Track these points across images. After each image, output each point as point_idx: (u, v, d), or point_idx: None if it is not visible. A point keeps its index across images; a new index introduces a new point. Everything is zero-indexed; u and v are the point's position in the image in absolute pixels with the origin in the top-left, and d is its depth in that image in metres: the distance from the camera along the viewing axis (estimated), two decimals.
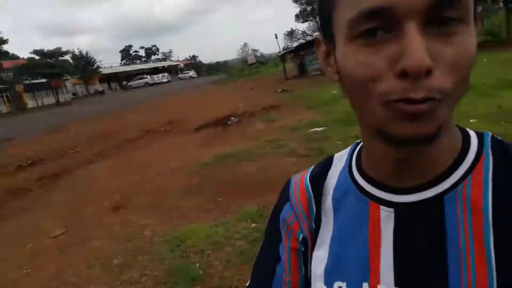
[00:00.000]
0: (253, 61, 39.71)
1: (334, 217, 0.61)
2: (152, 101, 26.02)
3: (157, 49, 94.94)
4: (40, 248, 4.41)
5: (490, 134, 0.55)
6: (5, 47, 38.73)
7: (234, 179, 5.45)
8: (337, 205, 0.61)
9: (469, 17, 0.44)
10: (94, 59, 51.31)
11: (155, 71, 66.24)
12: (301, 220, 0.65)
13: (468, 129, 0.56)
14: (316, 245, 0.63)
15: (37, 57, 40.20)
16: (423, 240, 0.51)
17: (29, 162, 10.62)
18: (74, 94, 51.34)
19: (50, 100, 45.30)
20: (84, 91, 53.47)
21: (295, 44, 39.83)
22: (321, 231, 0.63)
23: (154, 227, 4.42)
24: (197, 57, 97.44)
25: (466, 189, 0.50)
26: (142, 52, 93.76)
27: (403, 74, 0.41)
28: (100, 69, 53.30)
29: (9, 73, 37.87)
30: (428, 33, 0.42)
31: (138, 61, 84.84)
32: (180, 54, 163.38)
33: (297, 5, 49.46)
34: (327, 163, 0.67)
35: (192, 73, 64.91)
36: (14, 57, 48.59)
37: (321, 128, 8.13)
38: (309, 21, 52.06)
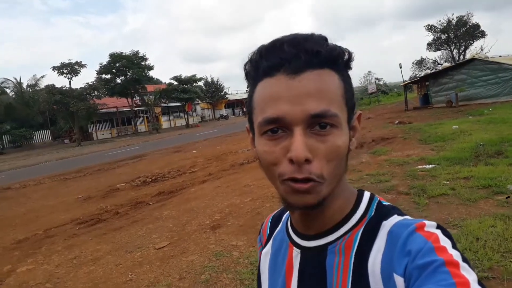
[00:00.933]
0: (373, 90, 38.70)
1: (271, 251, 0.82)
2: None
3: None
4: (146, 257, 5.00)
5: (378, 199, 0.71)
6: (150, 73, 43.92)
7: None
8: (275, 244, 0.82)
9: (340, 124, 0.61)
10: (223, 86, 55.19)
11: None
12: (263, 250, 0.86)
13: (365, 195, 0.72)
14: (261, 273, 0.84)
15: (175, 83, 44.76)
16: (313, 275, 0.69)
17: (153, 178, 11.91)
18: (201, 118, 55.88)
19: (181, 122, 50.14)
20: (210, 115, 57.90)
21: (423, 74, 37.99)
22: (262, 262, 0.84)
23: (242, 248, 4.72)
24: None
25: (343, 243, 0.67)
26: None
27: (291, 161, 0.59)
28: (227, 95, 57.14)
29: (150, 96, 42.85)
30: (309, 134, 0.60)
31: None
32: None
33: (431, 33, 47.42)
34: (285, 209, 0.85)
35: None
36: (157, 82, 54.88)
37: (430, 166, 7.67)
38: (442, 50, 49.33)
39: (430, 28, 46.87)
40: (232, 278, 3.94)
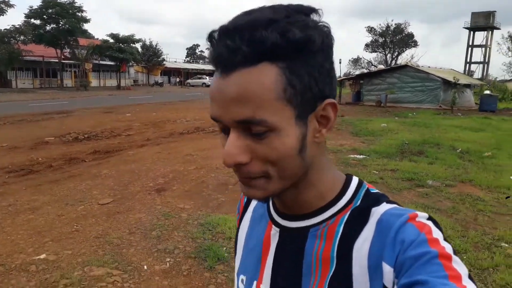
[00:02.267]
0: None
1: (249, 224, 0.80)
2: (206, 100, 26.95)
3: None
4: (90, 211, 4.97)
5: (366, 187, 0.68)
6: (85, 26, 41.14)
7: None
8: (254, 216, 0.79)
9: (276, 127, 0.55)
10: (161, 51, 53.39)
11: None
12: (239, 219, 0.86)
13: (353, 181, 0.69)
14: (238, 241, 0.83)
15: (111, 40, 42.34)
16: (290, 255, 0.67)
17: (85, 136, 11.50)
18: (134, 81, 53.78)
19: (112, 82, 47.83)
20: (144, 79, 55.92)
21: (357, 72, 39.94)
22: (240, 231, 0.83)
23: (190, 211, 4.90)
24: None
25: (326, 227, 0.65)
26: (206, 54, 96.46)
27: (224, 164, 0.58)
28: (164, 62, 55.44)
29: (82, 51, 40.29)
30: (245, 135, 0.56)
31: (201, 61, 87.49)
32: None
33: (370, 35, 49.79)
34: None
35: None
36: (90, 37, 51.59)
37: (361, 156, 8.35)
38: (377, 52, 52.04)
39: (370, 30, 49.39)
40: (184, 236, 4.13)
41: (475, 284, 0.50)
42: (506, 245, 4.17)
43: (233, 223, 4.39)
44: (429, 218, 0.59)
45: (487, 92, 25.83)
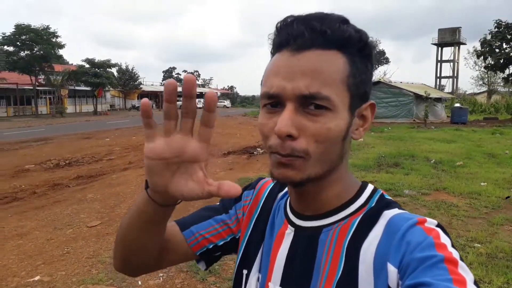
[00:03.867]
0: None
1: (268, 226, 0.79)
2: None
3: (199, 75, 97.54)
4: (79, 234, 5.05)
5: (381, 192, 0.71)
6: (60, 51, 40.84)
7: None
8: (273, 218, 0.79)
9: (335, 107, 0.60)
10: (138, 75, 53.36)
11: None
12: (248, 210, 0.85)
13: (368, 186, 0.71)
14: (249, 235, 0.82)
15: (87, 65, 42.11)
16: (303, 254, 0.69)
17: (67, 162, 11.46)
18: (111, 106, 53.42)
19: (88, 107, 47.39)
20: (121, 104, 55.60)
21: None
22: (253, 228, 0.82)
23: None
24: (235, 87, 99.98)
25: (339, 227, 0.67)
26: (183, 76, 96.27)
27: (276, 134, 0.60)
28: (141, 86, 55.34)
29: (57, 77, 39.91)
30: (301, 112, 0.60)
31: (178, 84, 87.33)
32: (219, 83, 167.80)
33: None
34: (284, 185, 0.82)
35: (226, 102, 66.78)
36: (65, 62, 51.18)
37: None
38: None
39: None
40: None
41: None
42: (479, 245, 4.45)
43: None
44: (438, 225, 0.60)
45: (458, 105, 26.91)
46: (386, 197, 0.70)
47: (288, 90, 0.59)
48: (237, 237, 0.84)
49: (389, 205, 0.67)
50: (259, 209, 0.83)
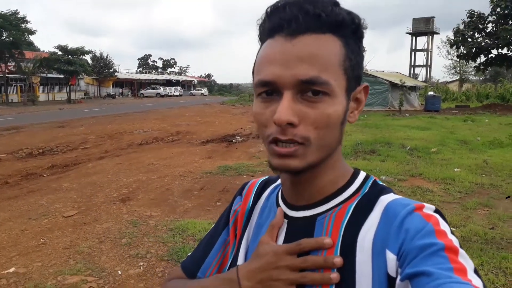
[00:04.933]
0: None
1: (257, 218, 0.78)
2: (162, 111, 26.78)
3: (175, 62, 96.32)
4: (55, 224, 4.93)
5: (374, 178, 0.70)
6: (31, 38, 39.52)
7: (233, 187, 6.02)
8: (263, 209, 0.78)
9: (333, 92, 0.59)
10: (113, 63, 52.27)
11: (168, 83, 67.68)
12: (240, 213, 0.82)
13: (361, 173, 0.71)
14: (245, 234, 0.79)
15: (59, 52, 40.95)
16: None
17: (40, 151, 11.16)
18: (85, 94, 52.21)
19: (61, 96, 46.16)
20: (96, 92, 54.43)
21: None
22: (249, 225, 0.80)
23: (157, 218, 4.99)
24: (212, 75, 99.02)
25: (334, 214, 0.66)
26: (160, 63, 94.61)
27: (275, 123, 0.58)
28: (116, 73, 54.26)
29: (28, 64, 38.66)
30: (299, 99, 0.59)
31: (154, 71, 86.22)
32: (196, 71, 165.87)
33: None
34: (277, 178, 0.82)
35: (204, 90, 66.35)
36: (37, 49, 49.60)
37: None
38: None
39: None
40: (154, 241, 4.23)
41: (481, 279, 0.50)
42: (454, 229, 4.57)
43: (202, 226, 4.53)
44: (436, 211, 0.59)
45: (431, 93, 27.45)
46: (379, 183, 0.69)
47: (286, 77, 0.58)
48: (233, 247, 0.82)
49: (384, 190, 0.66)
50: (248, 211, 0.81)
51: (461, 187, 6.32)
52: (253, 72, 0.66)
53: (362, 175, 0.70)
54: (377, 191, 0.66)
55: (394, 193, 0.65)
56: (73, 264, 3.75)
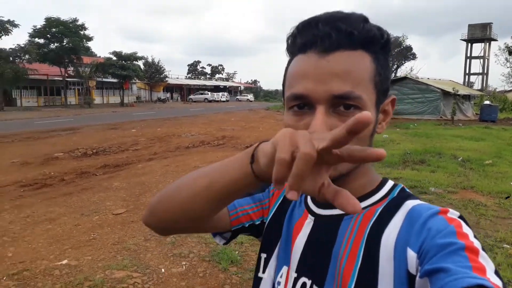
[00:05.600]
0: None
1: (287, 214, 0.79)
2: (209, 115, 27.31)
3: (223, 69, 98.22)
4: (105, 221, 5.16)
5: (401, 186, 0.72)
6: (88, 44, 41.79)
7: None
8: (293, 207, 0.80)
9: (365, 106, 0.61)
10: (164, 68, 54.09)
11: (216, 89, 69.05)
12: (273, 195, 0.85)
13: (389, 181, 0.73)
14: (270, 220, 0.82)
15: (114, 58, 42.98)
16: (323, 239, 0.69)
17: (94, 151, 11.73)
18: (137, 98, 54.31)
19: (115, 99, 48.34)
20: (147, 96, 56.45)
21: None
22: (275, 214, 0.82)
23: None
24: (258, 82, 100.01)
25: (361, 215, 0.68)
26: (208, 69, 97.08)
27: None
28: (166, 79, 56.09)
29: (85, 69, 40.84)
30: (332, 113, 0.61)
31: (202, 77, 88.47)
32: (242, 77, 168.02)
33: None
34: None
35: (250, 96, 66.99)
36: (93, 55, 52.32)
37: None
38: None
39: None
40: (197, 241, 4.32)
41: (501, 280, 0.49)
42: (508, 246, 4.33)
43: None
44: (460, 217, 0.60)
45: (487, 102, 26.10)
46: (407, 190, 0.71)
47: (320, 93, 0.60)
48: (265, 220, 0.84)
49: (411, 196, 0.68)
50: (281, 197, 0.83)
51: None
52: (283, 85, 0.69)
53: (390, 183, 0.72)
54: (404, 196, 0.68)
55: (420, 200, 0.67)
56: (120, 260, 3.91)
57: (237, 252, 4.02)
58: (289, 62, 0.68)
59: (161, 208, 0.71)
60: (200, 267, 3.78)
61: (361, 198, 0.69)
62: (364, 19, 0.63)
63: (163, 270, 3.71)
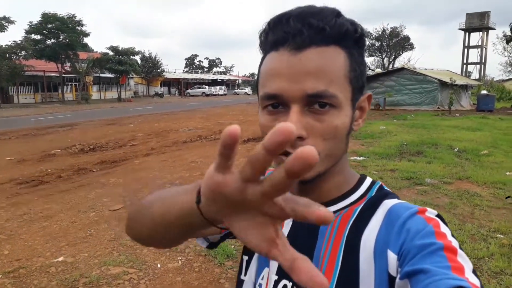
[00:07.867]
0: None
1: None
2: (206, 110, 27.29)
3: (220, 62, 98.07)
4: (102, 217, 5.18)
5: (380, 183, 0.72)
6: (85, 39, 41.55)
7: None
8: None
9: (339, 104, 0.60)
10: (161, 63, 53.89)
11: (213, 82, 68.91)
12: None
13: (367, 178, 0.73)
14: None
15: (111, 53, 42.79)
16: (301, 245, 0.66)
17: (91, 147, 11.73)
18: (134, 93, 54.13)
19: (112, 94, 48.20)
20: (144, 91, 56.31)
21: None
22: None
23: None
24: (256, 75, 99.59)
25: (340, 216, 0.67)
26: (205, 63, 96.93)
27: None
28: (164, 73, 55.92)
29: (82, 64, 40.68)
30: (307, 112, 0.60)
31: (200, 71, 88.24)
32: (240, 70, 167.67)
33: (366, 39, 50.65)
34: None
35: (247, 89, 66.82)
36: (90, 50, 52.10)
37: (361, 158, 8.57)
38: (374, 56, 52.49)
39: (367, 34, 50.25)
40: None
41: (479, 279, 0.50)
42: (502, 236, 4.36)
43: None
44: (438, 215, 0.60)
45: (484, 92, 26.11)
46: (385, 188, 0.70)
47: (293, 92, 0.59)
48: None
49: (389, 195, 0.68)
50: None
51: None
52: (257, 83, 0.67)
53: (368, 180, 0.72)
54: (382, 195, 0.68)
55: (399, 199, 0.67)
56: (116, 256, 3.94)
57: (233, 246, 4.04)
58: (262, 59, 0.66)
59: (132, 227, 0.68)
60: (196, 262, 3.81)
61: (339, 199, 0.68)
62: (337, 14, 0.61)
63: (159, 265, 3.74)
